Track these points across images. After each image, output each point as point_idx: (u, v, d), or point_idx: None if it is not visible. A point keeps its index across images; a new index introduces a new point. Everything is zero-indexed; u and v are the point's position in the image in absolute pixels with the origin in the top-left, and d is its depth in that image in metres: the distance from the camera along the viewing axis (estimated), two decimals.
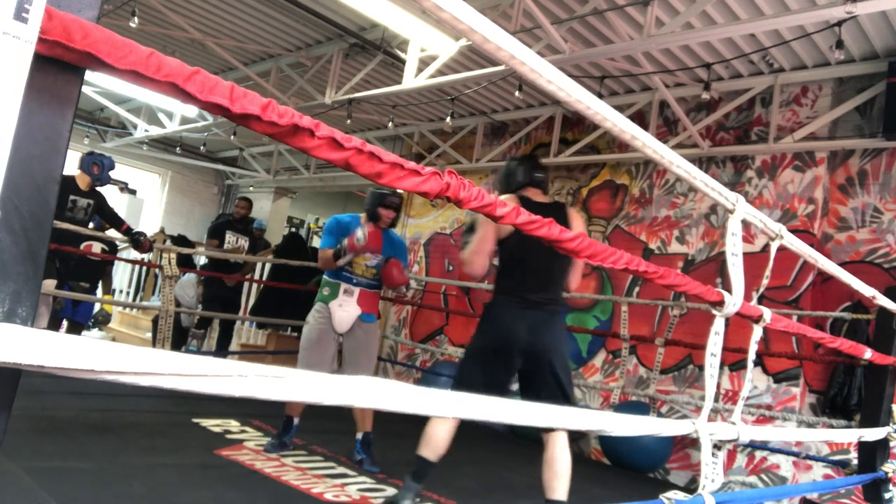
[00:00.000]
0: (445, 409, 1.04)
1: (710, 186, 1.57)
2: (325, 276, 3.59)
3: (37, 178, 0.66)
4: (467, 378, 2.62)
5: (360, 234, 3.26)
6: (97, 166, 4.88)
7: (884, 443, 3.21)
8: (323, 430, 4.16)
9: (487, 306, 2.75)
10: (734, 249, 1.65)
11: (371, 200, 3.58)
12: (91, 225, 5.87)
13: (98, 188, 5.08)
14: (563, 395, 2.60)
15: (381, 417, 3.81)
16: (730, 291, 1.65)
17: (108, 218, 5.27)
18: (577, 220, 2.79)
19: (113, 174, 5.08)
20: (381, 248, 3.41)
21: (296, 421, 3.58)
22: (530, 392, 2.66)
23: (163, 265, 5.02)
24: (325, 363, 3.41)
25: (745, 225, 1.71)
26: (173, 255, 5.05)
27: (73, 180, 4.96)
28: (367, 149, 0.83)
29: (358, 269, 3.52)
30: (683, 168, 1.46)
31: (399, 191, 3.66)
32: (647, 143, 1.33)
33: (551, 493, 2.56)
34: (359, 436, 3.58)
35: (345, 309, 3.48)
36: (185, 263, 5.44)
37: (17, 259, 0.65)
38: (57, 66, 0.65)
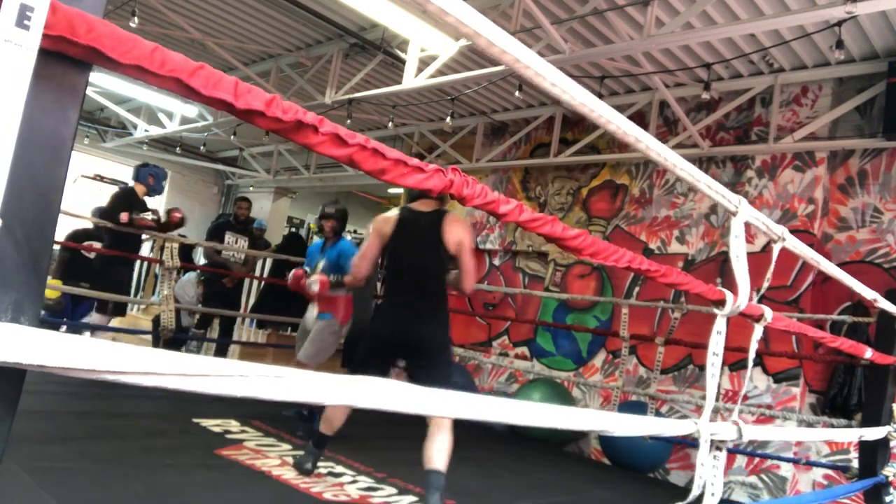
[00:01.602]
0: (444, 408, 1.04)
1: (712, 189, 1.56)
2: None
3: (40, 186, 0.65)
4: (359, 367, 2.88)
5: (315, 281, 3.76)
6: (153, 177, 5.23)
7: (884, 443, 3.21)
8: None
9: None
10: (738, 252, 1.65)
11: (319, 217, 4.29)
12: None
13: (152, 197, 5.41)
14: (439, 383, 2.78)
15: (381, 417, 3.79)
16: (732, 291, 1.65)
17: (161, 227, 5.48)
18: (453, 227, 2.81)
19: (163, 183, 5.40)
20: (324, 294, 3.87)
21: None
22: (415, 379, 2.84)
23: (164, 259, 5.02)
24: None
25: (747, 226, 1.71)
26: (175, 246, 5.04)
27: (134, 191, 5.27)
28: (370, 145, 0.83)
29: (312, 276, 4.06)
30: (687, 171, 1.46)
31: (337, 201, 4.35)
32: (650, 145, 1.33)
33: (429, 463, 2.68)
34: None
35: (310, 310, 4.27)
36: (186, 259, 5.44)
37: (20, 267, 0.64)
38: (62, 63, 0.65)
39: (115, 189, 10.61)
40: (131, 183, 5.40)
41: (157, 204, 5.52)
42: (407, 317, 2.82)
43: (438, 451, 2.67)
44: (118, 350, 0.65)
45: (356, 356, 2.98)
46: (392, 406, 0.94)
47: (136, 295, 9.07)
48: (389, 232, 2.86)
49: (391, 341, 2.84)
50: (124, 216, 4.87)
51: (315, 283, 3.70)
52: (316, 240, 4.18)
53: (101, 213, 5.24)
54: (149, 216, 4.98)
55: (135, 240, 5.16)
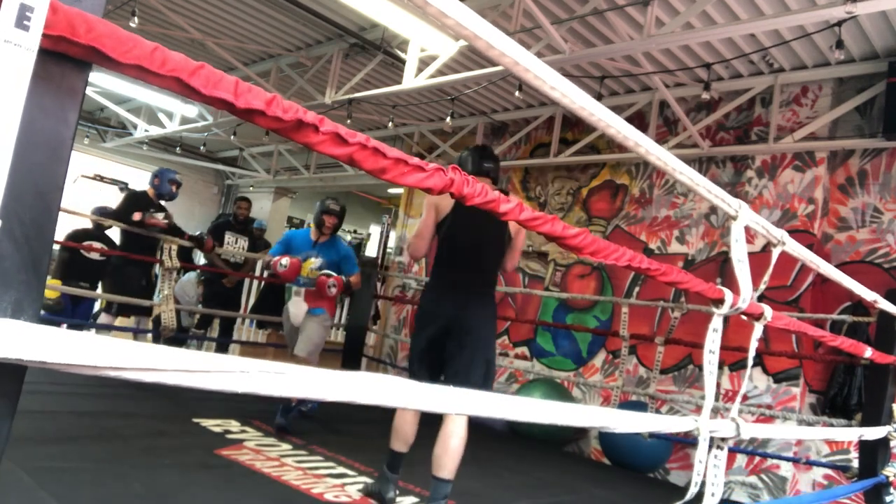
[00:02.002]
0: (445, 404, 1.04)
1: (713, 193, 1.57)
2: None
3: (39, 186, 0.65)
4: (412, 355, 2.76)
5: (286, 261, 3.91)
6: (157, 178, 5.32)
7: (884, 442, 3.21)
8: (323, 429, 4.16)
9: (426, 289, 2.83)
10: (739, 256, 1.66)
11: (316, 209, 4.19)
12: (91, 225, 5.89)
13: (166, 202, 5.44)
14: (465, 374, 2.60)
15: (381, 417, 3.79)
16: (733, 292, 1.66)
17: (172, 229, 5.49)
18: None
19: (174, 188, 5.38)
20: (297, 276, 3.99)
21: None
22: (446, 367, 2.70)
23: (163, 259, 5.03)
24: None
25: (747, 227, 1.71)
26: (174, 247, 5.06)
27: (146, 194, 5.33)
28: (371, 144, 0.83)
29: (304, 272, 4.03)
30: (687, 175, 1.46)
31: (338, 199, 4.28)
32: (650, 149, 1.33)
33: (438, 471, 2.53)
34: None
35: (295, 305, 4.12)
36: (185, 259, 5.46)
37: (19, 267, 0.64)
38: (62, 62, 0.65)
39: (118, 190, 10.67)
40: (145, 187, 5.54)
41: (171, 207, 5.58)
42: (464, 297, 2.67)
43: (449, 458, 2.53)
44: (119, 346, 0.66)
45: (412, 356, 2.78)
46: (394, 402, 0.94)
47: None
48: (448, 208, 2.67)
49: (446, 325, 2.64)
50: (137, 215, 4.93)
51: (286, 265, 3.89)
52: (296, 229, 4.13)
53: (113, 213, 5.28)
54: (160, 217, 4.99)
55: (149, 241, 5.17)
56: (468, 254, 2.71)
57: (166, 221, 5.06)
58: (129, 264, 5.26)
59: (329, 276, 4.03)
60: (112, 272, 5.45)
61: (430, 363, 2.70)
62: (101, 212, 6.26)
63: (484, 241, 2.71)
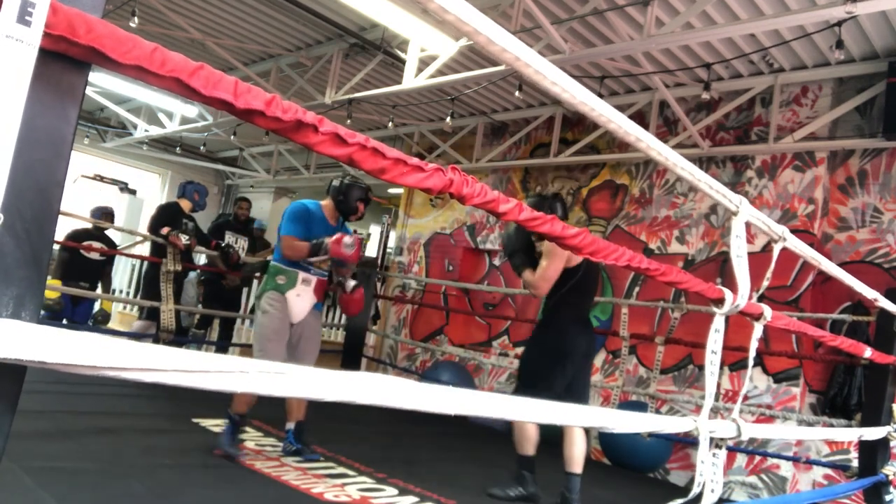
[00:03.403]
0: (447, 405, 1.04)
1: (713, 189, 1.57)
2: (276, 264, 3.34)
3: (40, 182, 0.65)
4: (544, 383, 3.15)
5: (349, 241, 3.17)
6: (197, 193, 5.59)
7: (884, 442, 3.21)
8: (323, 429, 4.16)
9: (552, 322, 3.30)
10: (739, 251, 1.65)
11: (348, 192, 3.41)
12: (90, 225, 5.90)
13: (196, 212, 5.68)
14: (585, 391, 3.39)
15: (381, 417, 3.80)
16: (732, 291, 1.66)
17: (200, 237, 5.63)
18: None
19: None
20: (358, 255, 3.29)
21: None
22: (571, 386, 3.27)
23: (165, 260, 5.04)
24: (283, 354, 3.27)
25: (747, 225, 1.71)
26: (176, 251, 5.08)
27: (178, 205, 5.56)
28: (370, 144, 0.83)
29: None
30: (687, 170, 1.46)
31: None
32: (650, 144, 1.33)
33: (573, 467, 3.14)
34: (290, 426, 3.42)
35: (303, 299, 3.33)
36: (185, 259, 5.47)
37: (21, 263, 0.64)
38: (62, 62, 0.65)
39: (118, 190, 10.68)
40: (175, 198, 5.75)
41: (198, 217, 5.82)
42: (591, 333, 3.37)
43: (580, 454, 3.15)
44: (119, 346, 0.66)
45: (552, 378, 3.21)
46: (394, 402, 0.94)
47: (135, 296, 9.07)
48: (579, 259, 3.14)
49: (586, 353, 3.33)
50: (164, 230, 5.12)
51: (351, 246, 3.16)
52: (304, 201, 3.46)
53: (148, 225, 5.50)
54: (183, 240, 5.08)
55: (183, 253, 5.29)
56: (591, 298, 3.41)
57: (187, 244, 5.13)
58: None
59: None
60: (146, 278, 5.64)
61: (564, 385, 3.22)
62: (102, 212, 6.27)
63: (594, 289, 3.43)
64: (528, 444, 3.21)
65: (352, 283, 3.46)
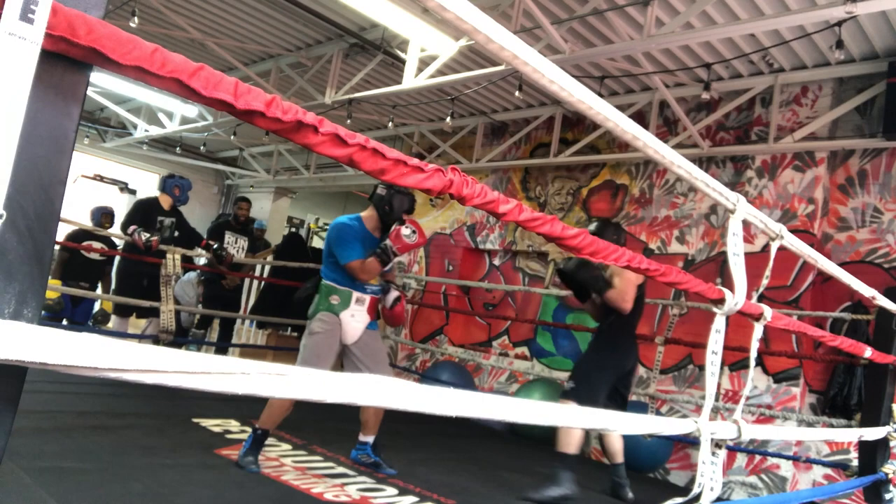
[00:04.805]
0: (447, 406, 1.04)
1: (710, 187, 1.57)
2: (330, 283, 3.23)
3: (43, 179, 0.66)
4: (600, 383, 3.53)
5: (407, 230, 3.06)
6: (178, 188, 5.36)
7: (884, 442, 3.21)
8: (323, 429, 4.16)
9: (611, 336, 3.66)
10: (735, 249, 1.65)
11: (394, 202, 3.24)
12: (90, 223, 5.89)
13: (178, 207, 5.50)
14: (625, 404, 3.77)
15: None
16: (731, 290, 1.66)
17: (188, 234, 5.50)
18: None
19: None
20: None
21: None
22: (620, 402, 3.70)
23: (165, 262, 5.04)
24: None
25: (746, 225, 1.71)
26: (177, 256, 5.07)
27: (157, 201, 5.36)
28: (370, 145, 0.83)
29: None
30: (685, 168, 1.46)
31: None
32: (648, 142, 1.33)
33: (615, 458, 3.69)
34: (367, 439, 3.41)
35: (357, 319, 3.22)
36: (185, 259, 5.47)
37: (23, 260, 0.64)
38: (63, 63, 0.65)
39: (118, 190, 10.68)
40: (156, 193, 5.54)
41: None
42: (637, 348, 3.79)
43: (619, 447, 3.66)
44: (120, 348, 0.66)
45: (600, 386, 3.51)
46: (394, 404, 0.94)
47: None
48: (642, 280, 3.53)
49: (632, 368, 3.75)
50: (131, 228, 4.98)
51: (413, 234, 3.08)
52: (341, 218, 3.33)
53: (123, 222, 5.35)
54: (143, 238, 4.90)
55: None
56: (640, 320, 3.79)
57: (148, 244, 4.88)
58: (139, 265, 5.27)
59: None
60: (117, 274, 5.52)
61: (607, 393, 3.56)
62: (102, 212, 6.27)
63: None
64: (572, 442, 3.31)
65: (392, 296, 3.39)
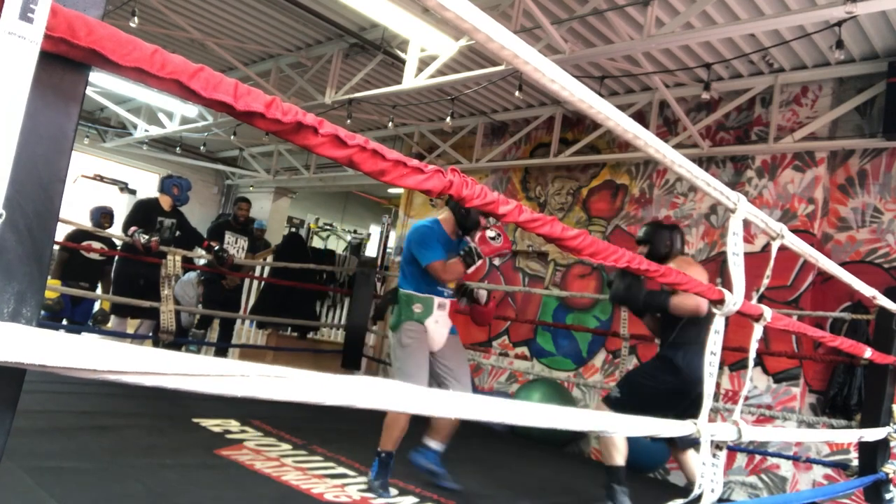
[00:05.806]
0: (449, 408, 1.04)
1: (711, 186, 1.57)
2: (409, 292, 3.19)
3: (42, 178, 0.66)
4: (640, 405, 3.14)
5: (493, 233, 3.05)
6: (177, 188, 5.32)
7: (884, 443, 3.21)
8: (323, 430, 4.16)
9: (679, 355, 3.21)
10: (735, 249, 1.65)
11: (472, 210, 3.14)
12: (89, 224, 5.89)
13: (179, 208, 5.47)
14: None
15: (381, 418, 3.79)
16: (730, 290, 1.65)
17: (189, 234, 5.49)
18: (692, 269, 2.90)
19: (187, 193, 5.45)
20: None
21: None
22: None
23: (166, 263, 5.04)
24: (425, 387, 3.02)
25: (746, 224, 1.71)
26: (178, 258, 5.07)
27: (157, 202, 5.34)
28: (370, 146, 0.83)
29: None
30: (685, 167, 1.46)
31: None
32: (648, 142, 1.33)
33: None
34: (436, 446, 3.20)
35: (441, 325, 3.19)
36: (185, 259, 5.47)
37: (22, 259, 0.64)
38: (62, 64, 0.65)
39: (118, 190, 10.68)
40: (156, 194, 5.52)
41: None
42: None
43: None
44: (119, 350, 0.66)
45: (651, 414, 3.39)
46: (394, 406, 0.94)
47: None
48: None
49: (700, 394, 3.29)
50: (131, 229, 4.98)
51: (499, 235, 3.07)
52: (420, 222, 3.30)
53: (123, 223, 5.34)
54: (143, 239, 4.88)
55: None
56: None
57: (147, 245, 4.86)
58: (137, 265, 5.27)
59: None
60: (113, 274, 5.50)
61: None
62: (102, 212, 6.26)
63: None
64: (617, 454, 3.10)
65: (484, 293, 3.38)
